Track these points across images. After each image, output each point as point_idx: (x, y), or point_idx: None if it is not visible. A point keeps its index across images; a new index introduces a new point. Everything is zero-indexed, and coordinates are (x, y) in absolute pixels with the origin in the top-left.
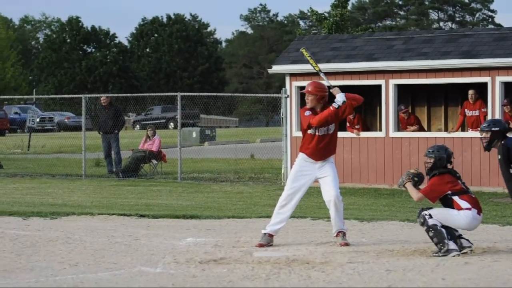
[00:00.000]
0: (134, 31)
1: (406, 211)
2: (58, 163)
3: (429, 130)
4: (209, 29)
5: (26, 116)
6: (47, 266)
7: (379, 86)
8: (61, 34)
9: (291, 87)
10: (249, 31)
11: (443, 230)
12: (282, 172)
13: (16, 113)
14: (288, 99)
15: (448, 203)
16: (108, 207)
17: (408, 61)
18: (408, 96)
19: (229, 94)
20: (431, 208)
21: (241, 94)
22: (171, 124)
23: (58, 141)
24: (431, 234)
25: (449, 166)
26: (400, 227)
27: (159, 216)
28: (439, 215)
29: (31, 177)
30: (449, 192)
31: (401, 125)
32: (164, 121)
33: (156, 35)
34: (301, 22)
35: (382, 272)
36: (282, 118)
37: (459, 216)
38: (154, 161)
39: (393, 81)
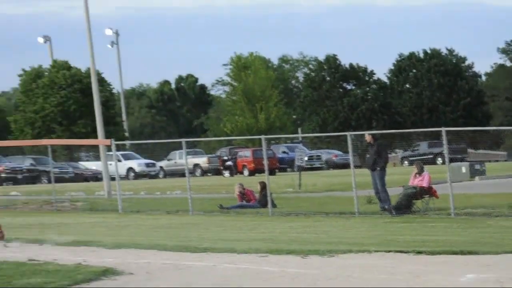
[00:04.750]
0: (392, 67)
1: None
2: (330, 201)
3: None
4: (466, 63)
5: (294, 155)
6: None
7: None
8: (320, 72)
9: None
10: (508, 63)
11: None
12: None
13: (284, 152)
14: None
15: None
16: (384, 244)
17: None
18: None
19: (495, 128)
20: None
21: (508, 128)
22: (439, 160)
23: (328, 179)
24: None
25: None
26: None
27: (436, 252)
28: None
29: (305, 216)
30: None
31: None
32: (431, 156)
33: (414, 70)
34: None
35: None
36: None
37: None
38: (426, 197)
39: None
